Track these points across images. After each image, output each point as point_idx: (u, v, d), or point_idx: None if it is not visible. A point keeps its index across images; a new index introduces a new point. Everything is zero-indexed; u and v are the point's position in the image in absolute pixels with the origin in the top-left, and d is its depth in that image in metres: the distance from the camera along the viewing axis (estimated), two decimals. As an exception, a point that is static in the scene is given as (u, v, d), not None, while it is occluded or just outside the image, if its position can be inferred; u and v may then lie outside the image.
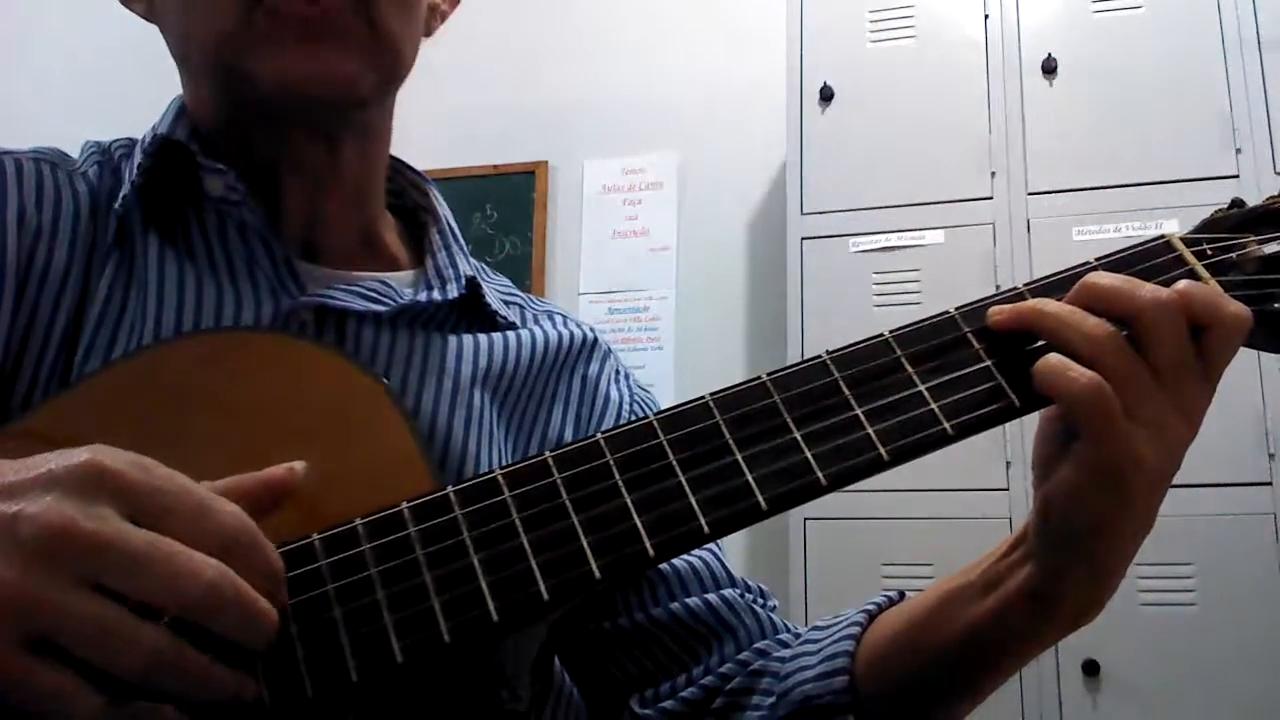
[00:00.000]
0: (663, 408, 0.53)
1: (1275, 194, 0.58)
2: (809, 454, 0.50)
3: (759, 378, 0.53)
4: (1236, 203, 0.59)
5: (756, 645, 0.71)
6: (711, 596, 0.72)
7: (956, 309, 0.55)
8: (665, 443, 0.51)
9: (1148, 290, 0.52)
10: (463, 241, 0.76)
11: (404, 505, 0.49)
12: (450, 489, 0.49)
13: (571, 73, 3.08)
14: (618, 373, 0.79)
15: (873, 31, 2.45)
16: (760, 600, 0.75)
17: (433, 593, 0.46)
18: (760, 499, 0.49)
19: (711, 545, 0.75)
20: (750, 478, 0.50)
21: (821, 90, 2.43)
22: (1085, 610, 0.56)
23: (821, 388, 0.52)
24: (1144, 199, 2.16)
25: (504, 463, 0.52)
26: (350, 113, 0.67)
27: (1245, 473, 1.99)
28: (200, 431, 0.53)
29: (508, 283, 0.80)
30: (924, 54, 2.39)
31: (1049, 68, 2.28)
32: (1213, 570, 1.98)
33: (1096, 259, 0.56)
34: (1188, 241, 0.56)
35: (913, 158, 2.34)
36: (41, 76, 3.31)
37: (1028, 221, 2.24)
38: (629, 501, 0.49)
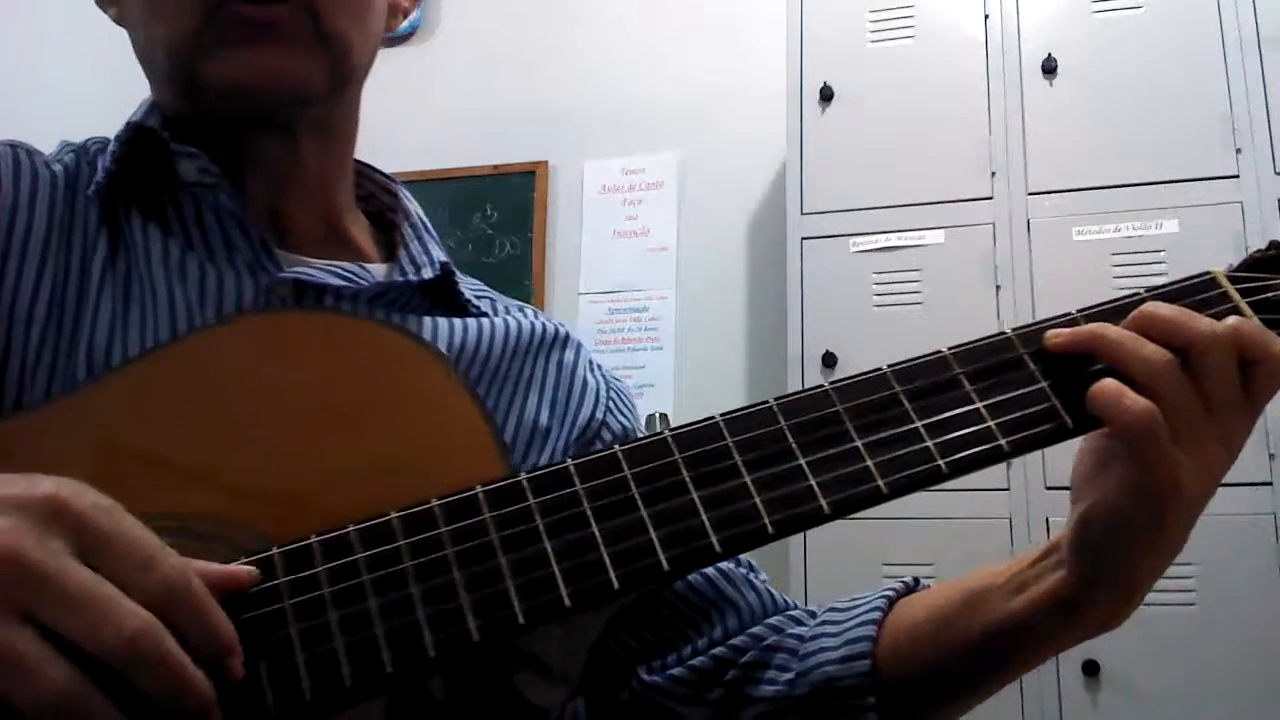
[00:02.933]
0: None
1: None
2: (870, 462, 0.52)
3: (821, 386, 0.54)
4: (1275, 244, 0.61)
5: (770, 621, 0.73)
6: (710, 571, 0.74)
7: (1013, 330, 0.57)
8: (731, 444, 0.52)
9: (1204, 323, 0.54)
10: (435, 234, 0.78)
11: (479, 489, 0.50)
12: (524, 475, 0.50)
13: (571, 73, 3.08)
14: (591, 362, 0.81)
15: (873, 31, 2.45)
16: (753, 573, 0.77)
17: (507, 576, 0.47)
18: (823, 503, 0.50)
19: None
20: (813, 482, 0.51)
21: (821, 90, 2.43)
22: (1108, 620, 0.59)
23: (882, 399, 0.54)
24: (1144, 199, 2.16)
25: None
26: (302, 109, 0.69)
27: (1245, 473, 1.99)
28: (257, 413, 0.53)
29: (478, 282, 0.81)
30: (924, 54, 2.39)
31: (1049, 68, 2.28)
32: (1213, 570, 1.98)
33: (1146, 289, 0.58)
34: (1230, 279, 0.59)
35: (913, 158, 2.34)
36: (40, 78, 3.32)
37: (1028, 221, 2.24)
38: (695, 499, 0.50)
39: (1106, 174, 2.20)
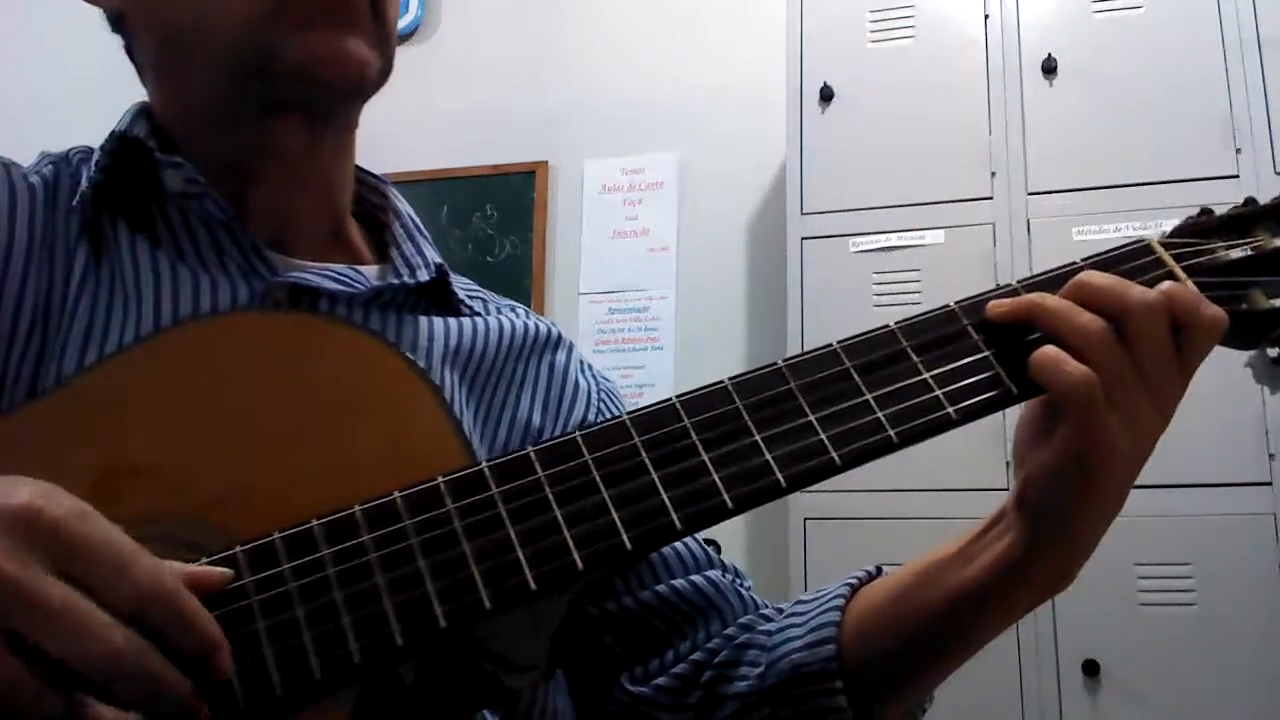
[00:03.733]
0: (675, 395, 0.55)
1: (1240, 203, 0.63)
2: (823, 435, 0.53)
3: (775, 364, 0.56)
4: (1205, 210, 0.64)
5: (741, 620, 0.73)
6: (697, 578, 0.74)
7: (956, 303, 0.59)
8: (689, 424, 0.53)
9: (1136, 290, 0.56)
10: (426, 233, 0.78)
11: (440, 480, 0.50)
12: (485, 464, 0.51)
13: (571, 73, 3.08)
14: (582, 363, 0.81)
15: (873, 31, 2.45)
16: (739, 580, 0.77)
17: (472, 563, 0.48)
18: (780, 476, 0.52)
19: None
20: (769, 457, 0.52)
21: (821, 90, 2.43)
22: (1056, 581, 0.60)
23: (833, 375, 0.55)
24: (1144, 199, 2.16)
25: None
26: (353, 101, 0.70)
27: (1245, 473, 1.99)
28: (230, 413, 0.54)
29: (469, 281, 0.82)
30: (924, 54, 2.39)
31: (1049, 68, 2.28)
32: (1213, 570, 1.98)
33: (1083, 259, 0.60)
34: (1165, 245, 0.61)
35: (913, 158, 2.34)
36: (35, 82, 3.32)
37: (1028, 221, 2.24)
38: (655, 479, 0.51)
39: (1106, 174, 2.20)
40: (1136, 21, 2.26)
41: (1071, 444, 0.55)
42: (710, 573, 0.75)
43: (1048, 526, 0.58)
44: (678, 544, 0.75)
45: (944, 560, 0.65)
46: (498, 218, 3.04)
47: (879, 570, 0.72)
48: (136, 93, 0.72)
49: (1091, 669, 2.00)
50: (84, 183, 0.66)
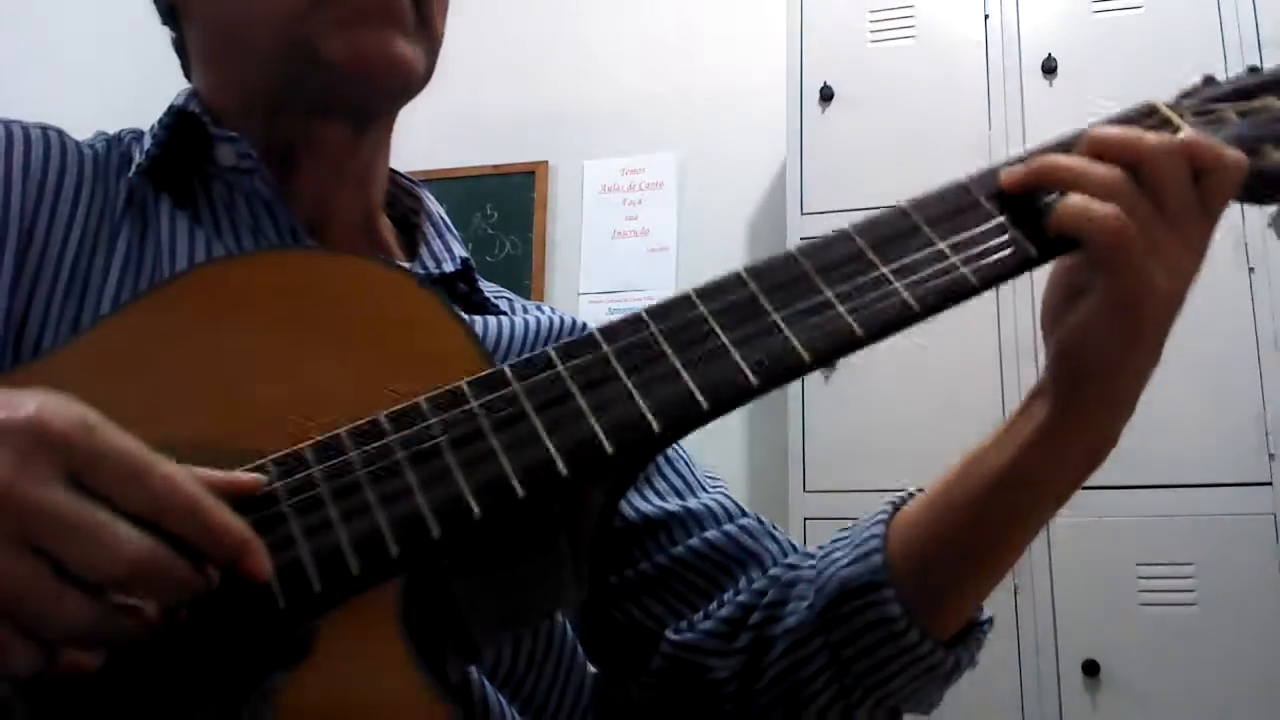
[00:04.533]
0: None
1: (1242, 71, 0.63)
2: (842, 308, 0.53)
3: (788, 252, 0.55)
4: (1209, 78, 0.64)
5: (787, 560, 0.72)
6: (730, 527, 0.73)
7: (967, 177, 0.58)
8: (705, 312, 0.53)
9: (1152, 136, 0.55)
10: (456, 233, 0.79)
11: (463, 382, 0.50)
12: (506, 366, 0.51)
13: (571, 73, 3.08)
14: None
15: (873, 31, 2.45)
16: (775, 529, 0.76)
17: (501, 454, 0.48)
18: (803, 352, 0.51)
19: (722, 488, 0.78)
20: (790, 333, 0.52)
21: (821, 90, 2.43)
22: (1099, 447, 0.59)
23: (849, 254, 0.55)
24: (1144, 199, 2.16)
25: None
26: (396, 100, 0.70)
27: (1245, 473, 1.99)
28: (251, 342, 0.54)
29: (498, 286, 0.82)
30: (924, 54, 2.39)
31: (1049, 68, 2.28)
32: (1213, 570, 1.98)
33: (1090, 125, 0.59)
34: (1171, 107, 0.61)
35: (913, 158, 2.34)
36: (50, 69, 3.32)
37: (1028, 221, 2.24)
38: (677, 363, 0.51)
39: (1106, 174, 2.20)
40: (1136, 21, 2.26)
41: (1110, 290, 0.54)
42: (743, 521, 0.74)
43: (1088, 386, 0.57)
44: (709, 499, 0.75)
45: (983, 450, 0.63)
46: (498, 218, 3.04)
47: (920, 490, 0.70)
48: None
49: (1091, 669, 2.00)
50: (139, 156, 0.67)
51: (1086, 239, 0.54)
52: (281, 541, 0.45)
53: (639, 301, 3.03)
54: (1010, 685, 2.03)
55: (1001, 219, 0.56)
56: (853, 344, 0.52)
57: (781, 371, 0.51)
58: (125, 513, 0.40)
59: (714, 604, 0.71)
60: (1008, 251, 0.55)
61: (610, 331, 0.52)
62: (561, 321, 0.79)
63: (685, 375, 0.51)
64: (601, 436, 0.49)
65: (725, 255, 2.86)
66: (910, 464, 2.21)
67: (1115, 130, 0.57)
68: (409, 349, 0.54)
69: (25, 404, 0.40)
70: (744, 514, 0.75)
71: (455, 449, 0.48)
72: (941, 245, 0.55)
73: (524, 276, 2.96)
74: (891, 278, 0.54)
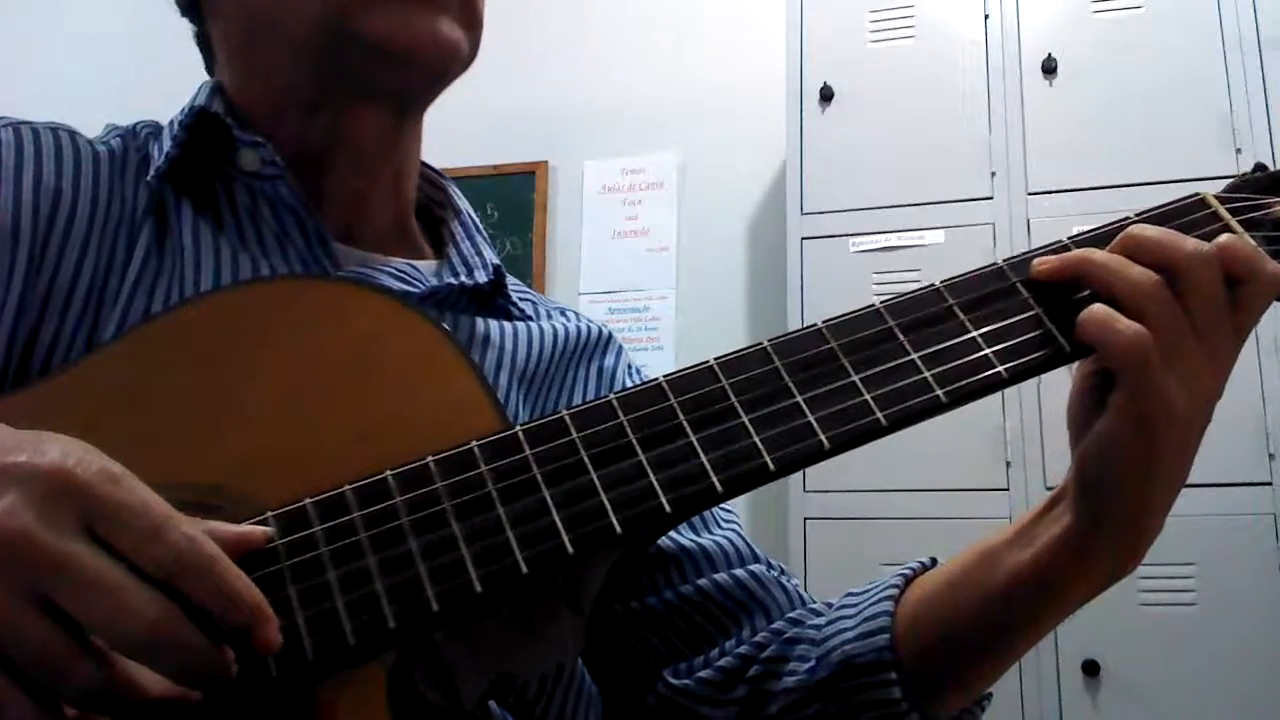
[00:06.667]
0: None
1: None
2: (868, 396, 0.51)
3: (815, 325, 0.54)
4: (1259, 166, 0.61)
5: (791, 614, 0.71)
6: (740, 572, 0.72)
7: (1004, 260, 0.56)
8: (727, 386, 0.51)
9: (1190, 243, 0.53)
10: (485, 234, 0.77)
11: (474, 444, 0.49)
12: (519, 428, 0.50)
13: (571, 73, 3.08)
14: (630, 366, 0.80)
15: (873, 31, 2.45)
16: (784, 575, 0.75)
17: (507, 527, 0.47)
18: (823, 439, 0.50)
19: (736, 525, 0.76)
20: (812, 419, 0.50)
21: (821, 90, 2.43)
22: (1123, 562, 0.57)
23: (877, 334, 0.53)
24: (1144, 199, 2.13)
25: None
26: (439, 83, 0.68)
27: (1245, 473, 1.99)
28: (254, 381, 0.53)
29: (520, 283, 0.81)
30: (924, 54, 2.39)
31: (1049, 68, 2.28)
32: (1213, 570, 1.98)
33: (1135, 214, 0.58)
34: (1220, 199, 0.58)
35: (913, 158, 2.34)
36: (57, 67, 3.32)
37: (1028, 221, 2.24)
38: (694, 441, 0.50)
39: (1106, 174, 2.20)
40: (1136, 21, 2.26)
41: (1127, 408, 0.52)
42: (754, 567, 0.73)
43: (1108, 501, 0.55)
44: (722, 538, 0.74)
45: (1002, 544, 0.62)
46: (498, 218, 3.04)
47: (933, 561, 0.69)
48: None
49: (1091, 669, 2.00)
50: (158, 156, 0.65)
51: (1105, 355, 0.52)
52: (279, 606, 0.44)
53: (639, 301, 3.02)
54: (1010, 685, 2.03)
55: (1037, 311, 0.54)
56: (875, 435, 0.51)
57: (799, 460, 0.50)
58: (139, 570, 0.39)
59: (715, 650, 0.70)
60: (1041, 348, 0.53)
61: (629, 402, 0.51)
62: (588, 330, 0.78)
63: (701, 454, 0.49)
64: (611, 516, 0.48)
65: (725, 255, 2.86)
66: (910, 464, 2.22)
67: (1154, 232, 0.54)
68: (416, 396, 0.53)
69: (49, 450, 0.39)
70: (755, 558, 0.74)
71: (461, 519, 0.47)
72: (974, 334, 0.53)
73: (524, 276, 2.96)
74: (921, 366, 0.52)
